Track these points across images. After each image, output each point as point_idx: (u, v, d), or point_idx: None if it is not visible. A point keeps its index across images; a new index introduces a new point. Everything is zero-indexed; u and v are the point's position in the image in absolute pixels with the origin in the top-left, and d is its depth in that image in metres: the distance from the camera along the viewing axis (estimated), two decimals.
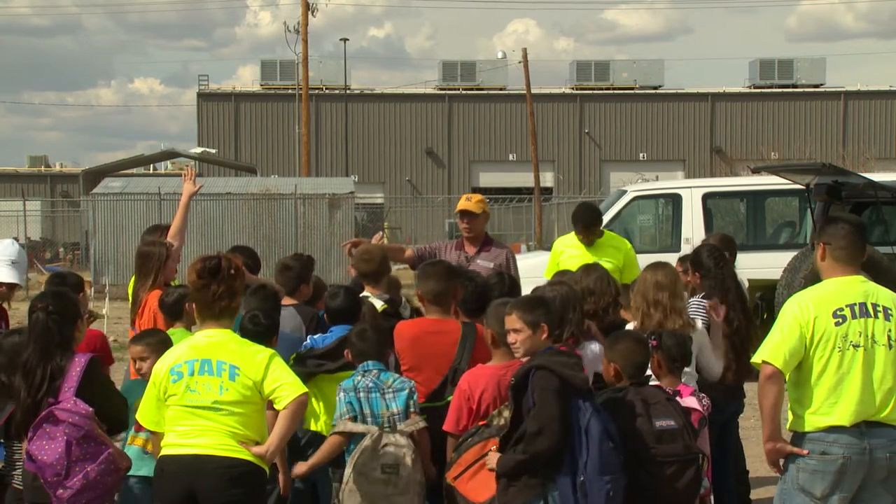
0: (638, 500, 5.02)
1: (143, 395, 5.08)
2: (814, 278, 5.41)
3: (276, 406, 4.86)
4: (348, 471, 5.27)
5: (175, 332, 6.17)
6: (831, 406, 4.92)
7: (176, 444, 4.87)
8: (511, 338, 5.16)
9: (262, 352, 4.93)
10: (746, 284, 8.06)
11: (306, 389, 4.94)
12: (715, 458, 6.26)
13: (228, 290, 4.91)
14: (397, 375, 5.60)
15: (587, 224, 8.32)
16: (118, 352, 14.44)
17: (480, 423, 5.27)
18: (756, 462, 8.62)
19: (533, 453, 4.83)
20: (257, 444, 4.86)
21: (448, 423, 5.41)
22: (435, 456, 5.53)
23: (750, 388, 10.56)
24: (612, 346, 5.38)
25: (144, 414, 5.02)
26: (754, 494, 7.61)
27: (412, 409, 5.48)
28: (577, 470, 4.76)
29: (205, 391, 4.81)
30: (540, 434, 4.80)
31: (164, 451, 4.92)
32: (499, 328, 5.41)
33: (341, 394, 5.46)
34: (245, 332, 5.46)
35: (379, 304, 6.48)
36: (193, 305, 5.16)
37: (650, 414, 5.09)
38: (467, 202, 7.91)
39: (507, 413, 5.12)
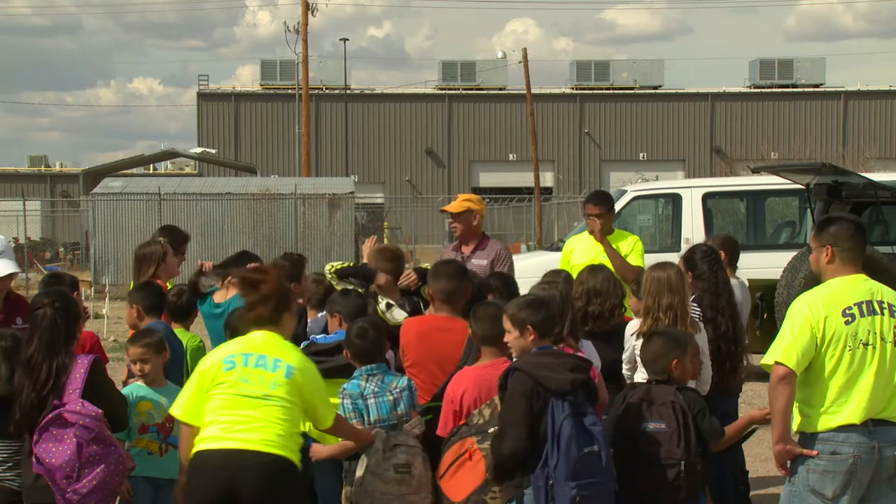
0: (630, 499, 5.05)
1: (184, 389, 5.02)
2: (814, 278, 5.41)
3: (318, 426, 5.07)
4: (360, 472, 5.26)
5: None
6: (841, 405, 4.92)
7: (217, 437, 4.76)
8: (505, 338, 5.19)
9: (309, 364, 5.04)
10: (747, 284, 8.02)
11: (337, 409, 5.20)
12: (712, 458, 6.23)
13: (263, 301, 4.99)
14: (399, 375, 5.58)
15: (599, 205, 8.11)
16: (118, 352, 14.46)
17: (460, 422, 5.27)
18: (756, 462, 8.62)
19: (497, 455, 4.87)
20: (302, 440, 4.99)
21: (439, 427, 5.40)
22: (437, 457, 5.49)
23: (748, 388, 10.60)
24: (646, 342, 5.43)
25: (185, 407, 4.92)
26: (754, 494, 7.60)
27: (414, 409, 5.50)
28: (549, 472, 4.74)
29: (257, 382, 4.80)
30: (503, 436, 4.84)
31: (204, 445, 4.78)
32: (477, 328, 5.40)
33: (346, 400, 5.43)
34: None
35: (401, 317, 6.34)
36: None
37: (646, 415, 5.11)
38: (451, 202, 8.00)
39: (486, 412, 5.12)
